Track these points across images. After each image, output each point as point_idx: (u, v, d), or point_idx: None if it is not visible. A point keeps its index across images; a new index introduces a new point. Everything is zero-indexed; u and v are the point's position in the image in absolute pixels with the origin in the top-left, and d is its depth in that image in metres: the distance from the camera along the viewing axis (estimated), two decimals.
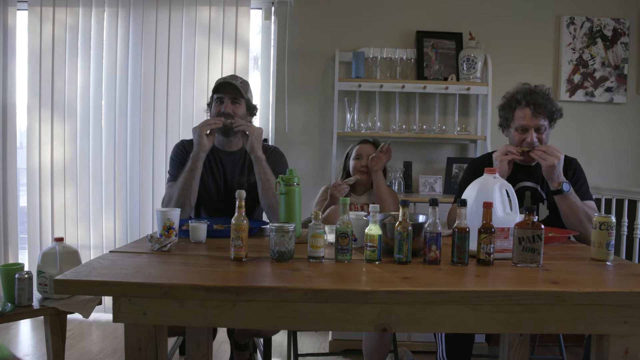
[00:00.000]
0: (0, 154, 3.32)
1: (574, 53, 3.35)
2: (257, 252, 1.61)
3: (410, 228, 1.48)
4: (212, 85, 2.38)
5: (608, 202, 3.10)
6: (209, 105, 2.30)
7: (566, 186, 2.02)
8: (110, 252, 1.60)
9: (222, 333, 3.08)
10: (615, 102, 3.37)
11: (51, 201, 3.31)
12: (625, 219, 2.96)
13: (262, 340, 2.39)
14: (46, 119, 3.28)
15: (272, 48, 3.38)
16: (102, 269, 1.37)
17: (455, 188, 2.78)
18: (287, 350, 2.47)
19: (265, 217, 2.32)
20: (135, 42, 3.27)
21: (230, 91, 2.18)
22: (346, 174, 2.54)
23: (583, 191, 2.16)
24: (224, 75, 2.45)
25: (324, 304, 1.26)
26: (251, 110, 2.27)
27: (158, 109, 3.28)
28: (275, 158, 2.25)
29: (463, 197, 1.57)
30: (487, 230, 1.48)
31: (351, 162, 2.51)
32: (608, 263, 1.56)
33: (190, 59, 3.27)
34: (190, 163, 2.09)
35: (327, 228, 1.66)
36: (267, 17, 3.40)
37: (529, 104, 2.11)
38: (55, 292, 1.26)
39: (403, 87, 3.18)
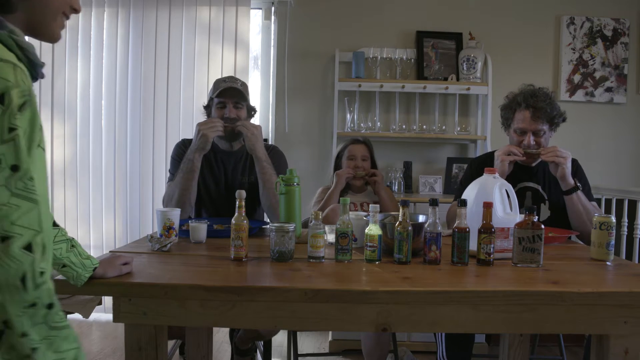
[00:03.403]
0: None
1: (574, 53, 3.35)
2: (257, 252, 1.61)
3: (410, 228, 1.48)
4: (211, 86, 2.37)
5: (608, 202, 3.10)
6: (206, 107, 2.28)
7: (579, 184, 2.04)
8: (110, 252, 1.60)
9: (222, 333, 3.08)
10: (615, 102, 3.37)
11: (51, 201, 3.31)
12: (625, 219, 2.96)
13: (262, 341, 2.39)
14: (46, 119, 3.28)
15: (272, 48, 3.38)
16: None
17: (455, 188, 2.78)
18: (287, 350, 2.46)
19: (265, 217, 2.32)
20: (135, 42, 3.27)
21: (233, 96, 2.16)
22: None
23: (586, 192, 2.16)
24: (223, 76, 2.43)
25: (324, 304, 1.26)
26: (250, 112, 2.27)
27: (158, 109, 3.27)
28: (275, 157, 2.24)
29: (463, 197, 1.57)
30: (487, 230, 1.48)
31: (344, 163, 2.50)
32: (608, 263, 1.56)
33: (190, 59, 3.27)
34: (191, 164, 2.08)
35: (327, 228, 1.66)
36: (267, 17, 3.40)
37: (529, 107, 2.09)
38: (56, 292, 1.26)
39: (403, 87, 3.18)
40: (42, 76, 1.04)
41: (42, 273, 0.88)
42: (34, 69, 1.00)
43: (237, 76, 2.37)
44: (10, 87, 0.86)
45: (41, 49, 3.25)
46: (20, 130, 0.87)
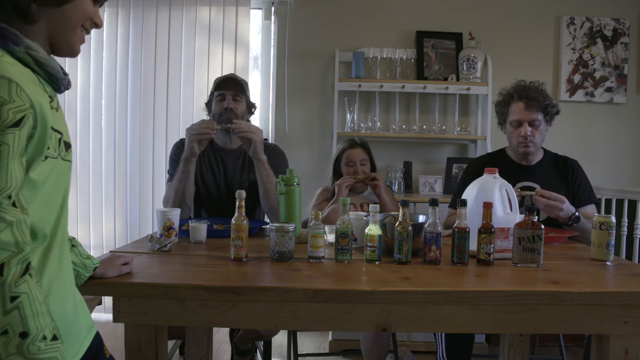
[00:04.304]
0: None
1: (574, 53, 3.35)
2: (257, 252, 1.61)
3: (410, 228, 1.48)
4: (211, 85, 2.38)
5: (608, 202, 3.10)
6: (207, 104, 2.29)
7: (576, 218, 1.96)
8: (110, 252, 1.60)
9: (222, 333, 3.09)
10: (615, 102, 3.36)
11: None
12: (625, 219, 2.96)
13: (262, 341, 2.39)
14: None
15: (272, 48, 3.38)
16: None
17: (455, 188, 2.78)
18: (287, 350, 2.46)
19: (265, 217, 2.31)
20: (135, 42, 3.27)
21: (232, 87, 2.17)
22: (338, 176, 2.51)
23: (587, 195, 2.16)
24: (223, 74, 2.44)
25: (324, 304, 1.26)
26: (250, 108, 2.27)
27: (158, 109, 3.28)
28: (276, 157, 2.24)
29: (463, 197, 1.57)
30: (487, 230, 1.48)
31: (343, 169, 2.48)
32: (608, 263, 1.56)
33: (190, 59, 3.27)
34: (182, 166, 2.07)
35: (327, 228, 1.66)
36: (267, 17, 3.40)
37: (522, 98, 2.13)
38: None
39: (403, 87, 3.18)
40: (67, 87, 1.01)
41: (13, 298, 0.80)
42: (55, 82, 0.98)
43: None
44: (2, 103, 0.84)
45: None
46: (4, 147, 0.83)
